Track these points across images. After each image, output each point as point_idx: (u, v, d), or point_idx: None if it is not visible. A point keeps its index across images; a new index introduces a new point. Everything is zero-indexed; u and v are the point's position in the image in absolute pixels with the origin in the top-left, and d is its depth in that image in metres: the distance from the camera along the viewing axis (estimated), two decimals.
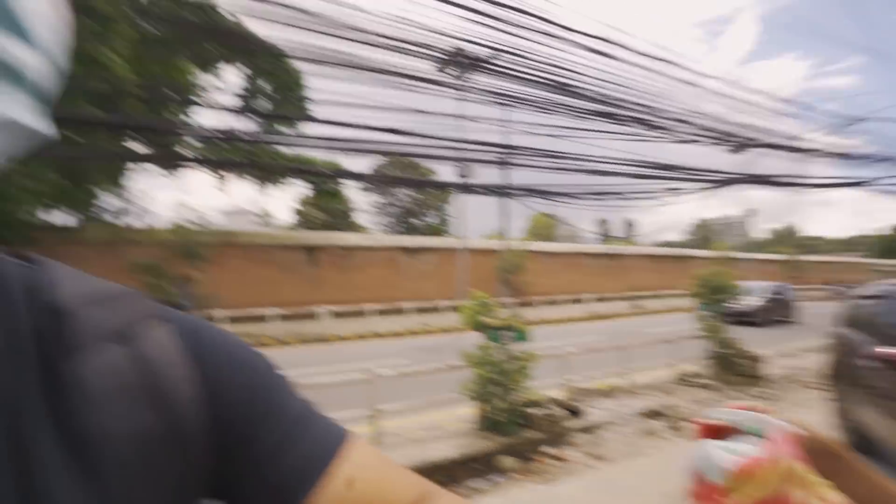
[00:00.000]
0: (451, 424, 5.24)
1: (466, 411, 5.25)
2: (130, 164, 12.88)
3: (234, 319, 13.95)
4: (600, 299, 22.11)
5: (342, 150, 4.54)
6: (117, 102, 12.62)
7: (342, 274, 17.76)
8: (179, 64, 10.93)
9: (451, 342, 12.10)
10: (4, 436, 0.28)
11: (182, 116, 13.95)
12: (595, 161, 8.01)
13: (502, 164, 8.13)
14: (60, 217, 14.01)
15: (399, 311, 16.84)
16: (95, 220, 15.78)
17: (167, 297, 12.54)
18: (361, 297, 17.52)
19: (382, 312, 16.53)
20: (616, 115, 7.67)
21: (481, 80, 6.03)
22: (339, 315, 16.03)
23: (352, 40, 4.34)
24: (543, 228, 41.66)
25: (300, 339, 13.09)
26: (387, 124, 4.52)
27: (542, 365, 5.38)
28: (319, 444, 0.40)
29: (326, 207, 30.24)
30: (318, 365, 9.16)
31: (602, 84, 7.39)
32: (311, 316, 15.37)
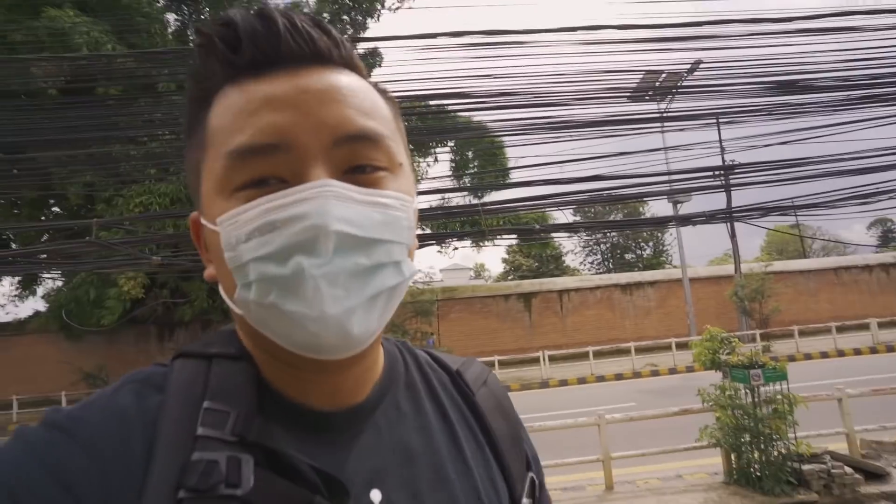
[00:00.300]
0: (693, 475, 4.72)
1: (710, 461, 4.66)
2: None
3: None
4: (883, 324, 16.45)
5: (551, 206, 4.81)
6: None
7: (558, 318, 17.84)
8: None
9: (681, 383, 10.82)
10: (454, 437, 0.50)
11: None
12: (851, 158, 6.53)
13: (724, 187, 7.29)
14: None
15: (620, 352, 15.88)
16: None
17: None
18: (579, 339, 17.20)
19: (602, 354, 15.85)
20: (875, 96, 6.25)
21: (684, 104, 5.72)
22: (557, 359, 16.01)
23: (546, 105, 4.71)
24: (788, 243, 34.12)
25: (522, 384, 13.49)
26: (590, 173, 4.66)
27: (809, 410, 4.44)
28: None
29: (536, 254, 31.16)
30: (541, 410, 9.30)
31: (846, 66, 6.17)
32: (530, 361, 15.75)
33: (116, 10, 12.35)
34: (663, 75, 8.85)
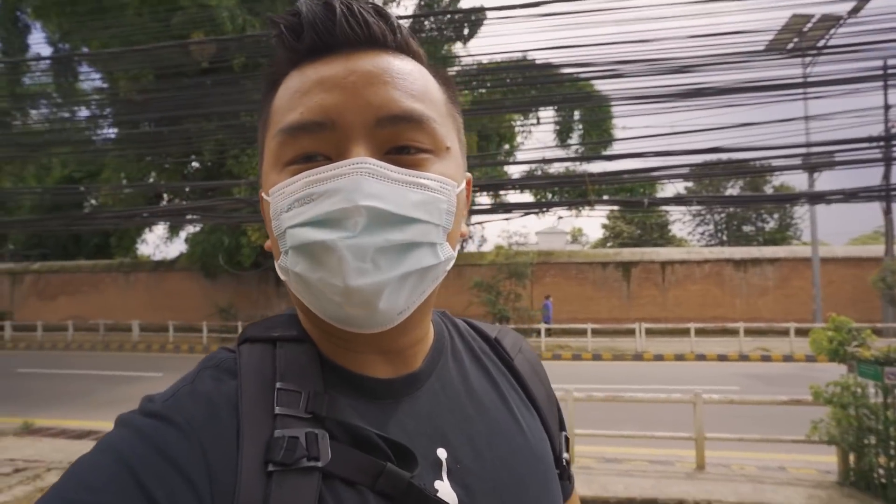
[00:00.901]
0: (799, 470, 4.40)
1: (819, 458, 4.31)
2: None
3: (551, 332, 15.22)
4: None
5: (663, 177, 4.50)
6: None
7: (658, 290, 16.89)
8: (506, 116, 13.04)
9: (797, 372, 9.84)
10: (502, 397, 0.53)
11: (508, 158, 16.55)
12: None
13: (883, 160, 6.21)
14: None
15: (726, 332, 14.72)
16: None
17: (498, 311, 14.88)
18: (680, 314, 16.20)
19: (706, 332, 14.82)
20: None
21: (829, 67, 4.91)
22: (655, 333, 15.30)
23: (666, 73, 4.33)
24: None
25: (614, 354, 13.17)
26: (706, 144, 4.23)
27: None
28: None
29: (639, 221, 29.35)
30: (633, 382, 9.07)
31: None
32: (625, 332, 15.25)
33: None
34: (811, 22, 7.54)
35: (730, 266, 16.73)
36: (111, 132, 11.64)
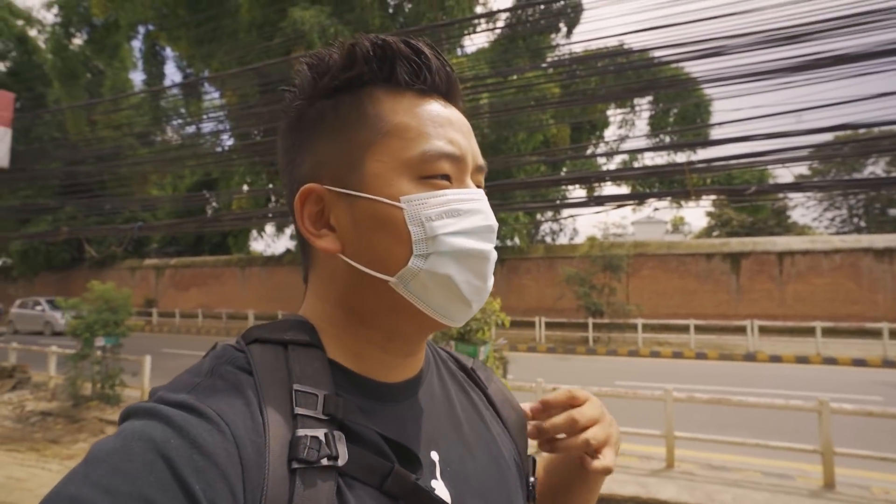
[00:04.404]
0: None
1: None
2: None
3: (649, 328, 14.36)
4: None
5: (772, 162, 4.01)
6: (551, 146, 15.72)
7: (775, 284, 15.18)
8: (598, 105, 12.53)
9: None
10: (479, 414, 0.59)
11: (601, 149, 15.90)
12: None
13: None
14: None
15: (865, 333, 12.83)
16: (537, 241, 19.95)
17: (592, 305, 14.34)
18: (802, 312, 14.42)
19: (836, 332, 13.04)
20: None
21: None
22: (770, 331, 13.78)
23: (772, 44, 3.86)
24: None
25: (721, 353, 12.10)
26: (827, 123, 3.68)
27: None
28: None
29: (750, 208, 26.60)
30: (743, 385, 8.29)
31: None
32: (734, 330, 13.93)
33: None
34: None
35: (869, 256, 14.50)
36: (229, 143, 13.08)
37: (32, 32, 25.00)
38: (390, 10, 16.53)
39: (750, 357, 11.67)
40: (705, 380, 8.87)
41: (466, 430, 0.55)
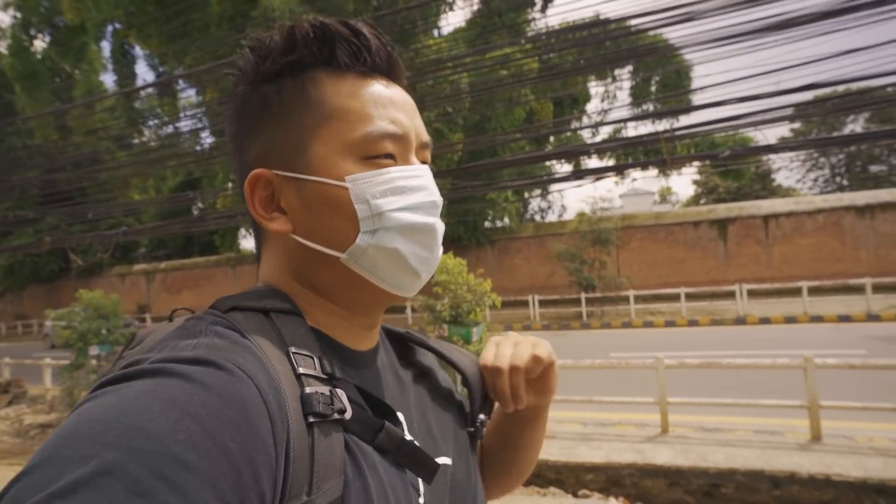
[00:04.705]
0: None
1: None
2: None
3: (641, 299, 14.56)
4: None
5: (746, 125, 4.03)
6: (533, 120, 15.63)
7: (761, 247, 15.42)
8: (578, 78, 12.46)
9: None
10: (423, 370, 0.63)
11: (584, 122, 15.88)
12: None
13: None
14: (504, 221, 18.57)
15: (849, 290, 13.12)
16: (527, 220, 20.01)
17: (584, 280, 14.49)
18: (789, 273, 14.70)
19: (822, 291, 13.32)
20: None
21: None
22: (758, 294, 14.04)
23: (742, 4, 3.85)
24: None
25: (713, 319, 12.34)
26: (805, 81, 3.67)
27: None
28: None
29: (735, 172, 26.83)
30: (735, 348, 8.48)
31: None
32: (724, 295, 14.17)
33: None
34: None
35: (851, 214, 14.76)
36: (210, 140, 12.88)
37: None
38: None
39: (740, 321, 11.92)
40: (698, 346, 9.05)
41: (415, 391, 0.59)
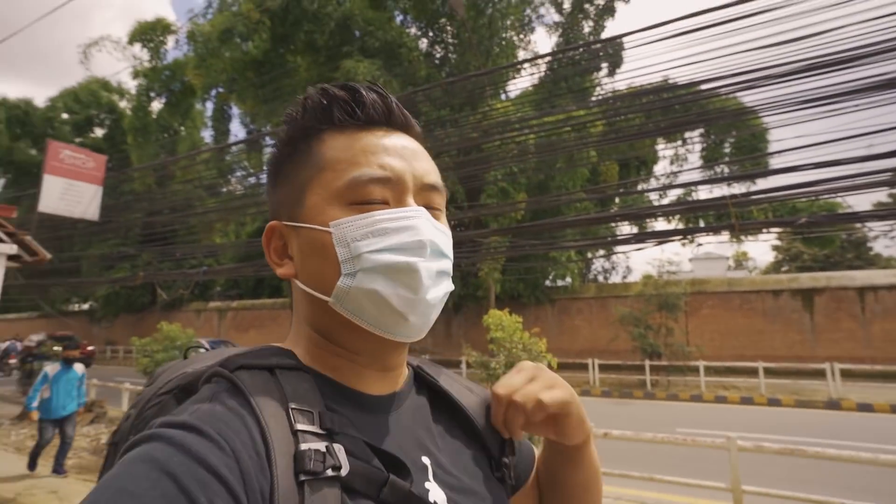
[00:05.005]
0: None
1: None
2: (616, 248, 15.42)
3: (713, 371, 13.40)
4: None
5: (827, 192, 3.79)
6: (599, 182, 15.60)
7: (857, 323, 13.88)
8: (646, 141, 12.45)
9: None
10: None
11: (651, 184, 15.62)
12: None
13: None
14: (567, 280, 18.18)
15: None
16: (589, 280, 19.49)
17: (649, 346, 13.63)
18: (893, 354, 13.01)
19: None
20: None
21: None
22: (855, 375, 12.48)
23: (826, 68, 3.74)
24: None
25: (798, 400, 11.05)
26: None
27: None
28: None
29: (821, 239, 24.81)
30: (825, 437, 7.49)
31: None
32: (811, 373, 12.74)
33: (385, 47, 15.20)
34: None
35: None
36: None
37: (122, 103, 28.39)
38: (436, 62, 17.41)
39: (833, 405, 10.58)
40: (779, 429, 8.11)
41: (446, 437, 0.58)
